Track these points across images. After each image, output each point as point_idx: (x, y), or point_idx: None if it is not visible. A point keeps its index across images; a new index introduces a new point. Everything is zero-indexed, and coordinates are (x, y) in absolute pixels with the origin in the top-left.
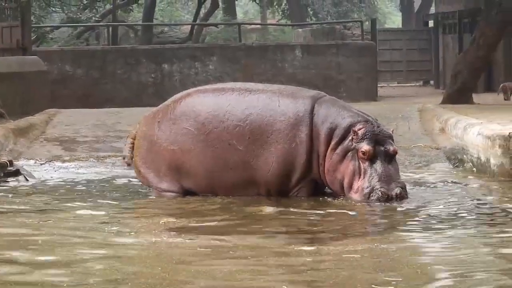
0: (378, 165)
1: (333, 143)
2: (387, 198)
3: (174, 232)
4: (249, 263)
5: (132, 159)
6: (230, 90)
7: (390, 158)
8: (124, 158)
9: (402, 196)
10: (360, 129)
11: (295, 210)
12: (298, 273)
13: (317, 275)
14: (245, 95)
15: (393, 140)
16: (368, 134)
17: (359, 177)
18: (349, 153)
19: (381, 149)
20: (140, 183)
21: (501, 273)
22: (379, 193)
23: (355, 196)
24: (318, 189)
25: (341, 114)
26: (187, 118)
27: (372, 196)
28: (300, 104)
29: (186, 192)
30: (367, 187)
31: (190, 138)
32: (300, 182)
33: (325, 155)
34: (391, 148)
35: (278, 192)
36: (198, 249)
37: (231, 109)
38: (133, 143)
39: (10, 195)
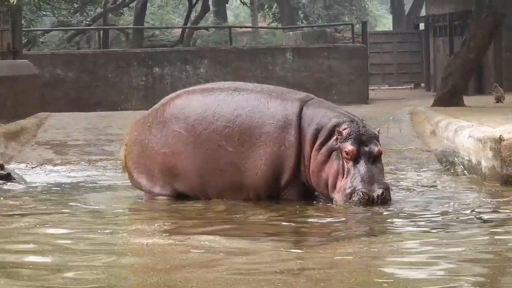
0: (362, 166)
1: (317, 143)
2: (368, 199)
3: (166, 235)
4: (240, 266)
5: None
6: (218, 90)
7: (374, 158)
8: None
9: (385, 198)
10: (344, 129)
11: (285, 213)
12: (290, 276)
13: (309, 277)
14: (233, 96)
15: (378, 141)
16: (352, 134)
17: (343, 177)
18: (334, 153)
19: (366, 150)
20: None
21: (487, 277)
22: (360, 194)
23: (337, 196)
24: (307, 192)
25: (327, 115)
26: (177, 120)
27: (353, 196)
28: (288, 107)
29: (179, 196)
30: (349, 187)
31: (180, 140)
32: (289, 185)
33: (309, 157)
34: (376, 149)
35: (266, 196)
36: (190, 251)
37: (220, 110)
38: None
39: (1, 198)
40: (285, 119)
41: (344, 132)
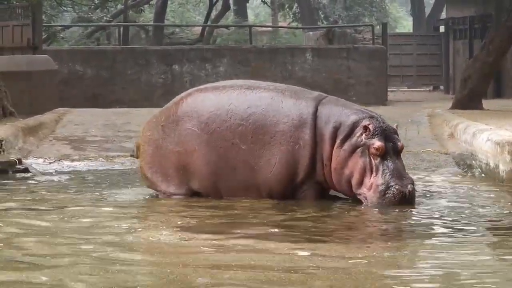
0: (389, 162)
1: (338, 141)
2: (401, 195)
3: (176, 232)
4: (251, 267)
5: None
6: (230, 88)
7: (398, 153)
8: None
9: (413, 193)
10: (369, 124)
11: (299, 214)
12: (303, 279)
13: (322, 280)
14: (246, 94)
15: (398, 135)
16: (378, 130)
17: (371, 174)
18: (358, 149)
19: (391, 145)
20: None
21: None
22: (395, 190)
23: (368, 193)
24: (323, 193)
25: (344, 112)
26: (190, 118)
27: (387, 193)
28: (303, 106)
29: (194, 194)
30: (382, 184)
31: (193, 139)
32: (304, 185)
33: (330, 156)
34: (399, 144)
35: (279, 195)
36: (201, 248)
37: (233, 108)
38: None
39: (20, 193)
40: (300, 118)
41: (371, 127)
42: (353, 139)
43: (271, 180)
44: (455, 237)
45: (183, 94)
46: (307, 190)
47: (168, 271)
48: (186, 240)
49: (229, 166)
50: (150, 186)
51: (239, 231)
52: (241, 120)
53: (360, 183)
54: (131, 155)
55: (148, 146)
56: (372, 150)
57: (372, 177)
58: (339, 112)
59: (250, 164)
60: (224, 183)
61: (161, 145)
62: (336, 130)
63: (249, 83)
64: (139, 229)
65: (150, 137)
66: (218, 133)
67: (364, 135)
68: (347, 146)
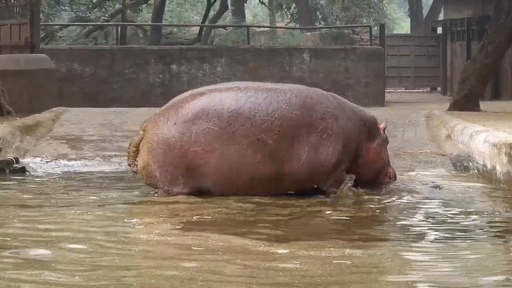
0: None
1: (371, 136)
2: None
3: (167, 230)
4: (238, 266)
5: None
6: (244, 88)
7: None
8: (130, 166)
9: None
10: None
11: (291, 211)
12: (288, 278)
13: (307, 281)
14: (263, 92)
15: None
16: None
17: (389, 165)
18: (384, 143)
19: None
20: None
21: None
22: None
23: (389, 180)
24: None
25: (358, 110)
26: (209, 117)
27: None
28: (325, 100)
29: (197, 193)
30: (394, 173)
31: (214, 138)
32: (332, 173)
33: (362, 148)
34: None
35: (305, 185)
36: (192, 248)
37: (255, 106)
38: (136, 150)
39: (19, 191)
40: (325, 110)
41: (383, 125)
42: (381, 135)
43: (300, 170)
44: (443, 240)
45: (193, 93)
46: (335, 180)
47: (168, 267)
48: (170, 239)
49: (253, 161)
50: (152, 185)
51: (230, 229)
52: (266, 116)
53: (386, 173)
54: (129, 165)
55: (157, 145)
56: (387, 145)
57: (389, 166)
58: (354, 110)
59: (276, 156)
60: (244, 178)
61: (175, 144)
62: (364, 125)
63: (259, 84)
64: (139, 227)
65: (160, 135)
66: (242, 131)
67: (381, 131)
68: (379, 140)
